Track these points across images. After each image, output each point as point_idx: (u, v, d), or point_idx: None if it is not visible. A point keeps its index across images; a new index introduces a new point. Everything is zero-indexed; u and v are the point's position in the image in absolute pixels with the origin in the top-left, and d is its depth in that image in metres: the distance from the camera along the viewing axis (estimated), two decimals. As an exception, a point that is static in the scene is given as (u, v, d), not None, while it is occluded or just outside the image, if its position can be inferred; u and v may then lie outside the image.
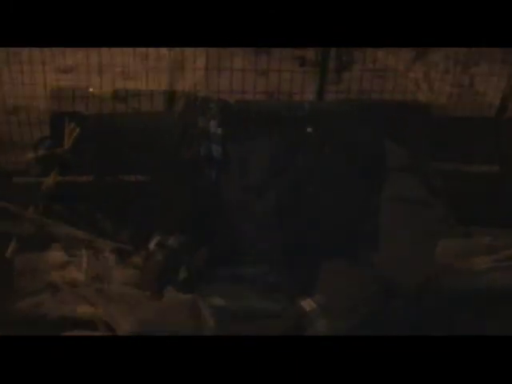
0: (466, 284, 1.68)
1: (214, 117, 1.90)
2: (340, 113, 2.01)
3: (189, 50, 2.73)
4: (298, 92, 2.86)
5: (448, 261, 1.67)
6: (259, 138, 1.84)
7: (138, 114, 2.17)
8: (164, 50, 2.78)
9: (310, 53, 3.54)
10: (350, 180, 1.74)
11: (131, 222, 1.82)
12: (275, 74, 2.90)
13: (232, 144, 1.84)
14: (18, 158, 3.05)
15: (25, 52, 3.11)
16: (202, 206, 1.84)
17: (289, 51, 3.09)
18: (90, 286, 1.76)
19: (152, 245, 1.76)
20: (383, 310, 1.63)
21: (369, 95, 2.89)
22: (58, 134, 2.03)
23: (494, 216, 1.88)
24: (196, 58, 2.74)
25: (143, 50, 2.78)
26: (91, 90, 2.02)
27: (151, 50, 2.78)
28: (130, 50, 2.76)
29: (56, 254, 1.90)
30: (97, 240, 1.83)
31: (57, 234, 1.93)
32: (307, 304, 1.68)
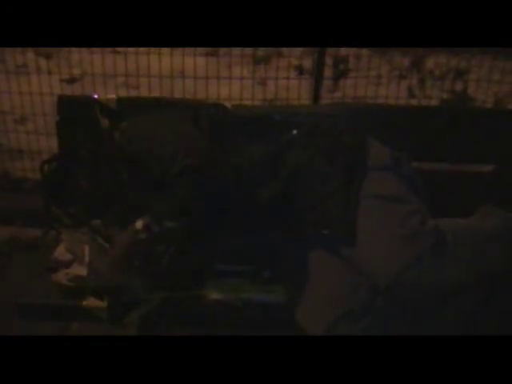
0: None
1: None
2: (330, 115, 2.07)
3: (189, 60, 2.84)
4: (295, 99, 2.96)
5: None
6: (253, 140, 1.88)
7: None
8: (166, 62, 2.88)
9: (308, 62, 3.63)
10: (334, 180, 1.78)
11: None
12: (273, 83, 3.01)
13: (229, 146, 1.88)
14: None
15: (32, 64, 3.25)
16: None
17: (286, 61, 3.18)
18: (93, 279, 1.82)
19: (139, 224, 1.76)
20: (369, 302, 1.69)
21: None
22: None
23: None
24: (196, 67, 2.85)
25: (145, 60, 2.87)
26: (96, 96, 2.09)
27: (153, 60, 2.88)
28: (132, 59, 2.88)
29: (61, 253, 1.98)
30: (98, 237, 1.90)
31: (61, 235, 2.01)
32: None
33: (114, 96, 2.12)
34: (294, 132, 1.87)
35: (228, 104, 2.10)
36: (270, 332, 1.78)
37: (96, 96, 2.11)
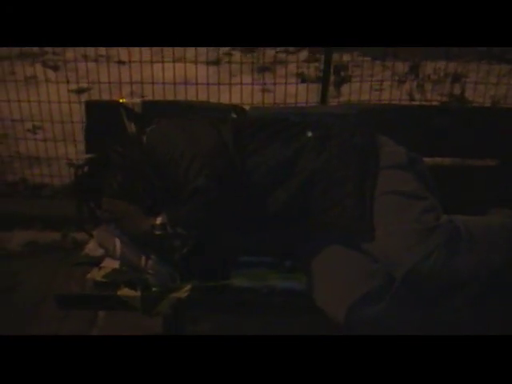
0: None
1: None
2: (343, 116, 2.18)
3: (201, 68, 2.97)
4: (302, 103, 3.09)
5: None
6: (271, 141, 1.94)
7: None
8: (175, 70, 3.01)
9: (310, 70, 3.77)
10: (349, 179, 1.86)
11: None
12: (281, 89, 3.13)
13: (248, 146, 1.93)
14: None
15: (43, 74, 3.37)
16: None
17: (290, 68, 3.31)
18: (126, 271, 1.92)
19: (159, 219, 1.87)
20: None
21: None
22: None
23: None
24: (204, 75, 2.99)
25: (155, 69, 3.01)
26: (122, 100, 2.20)
27: (159, 68, 3.01)
28: (141, 68, 3.01)
29: (91, 250, 2.08)
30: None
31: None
32: None
33: (138, 100, 2.23)
34: (309, 134, 1.96)
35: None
36: (294, 316, 1.90)
37: (122, 100, 2.23)
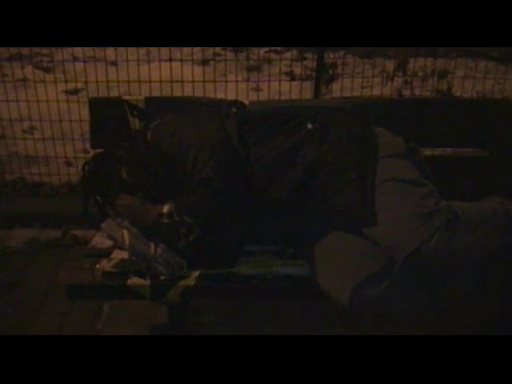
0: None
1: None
2: (339, 109, 2.25)
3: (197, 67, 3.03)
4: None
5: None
6: (273, 133, 2.01)
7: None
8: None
9: (299, 68, 3.84)
10: (350, 168, 1.94)
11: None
12: (271, 88, 3.20)
13: (251, 138, 2.00)
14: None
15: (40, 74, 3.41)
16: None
17: (279, 67, 3.39)
18: (135, 261, 1.95)
19: (166, 207, 1.93)
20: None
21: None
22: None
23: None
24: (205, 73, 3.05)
25: (146, 68, 3.07)
26: (126, 97, 2.26)
27: (154, 67, 3.07)
28: (134, 68, 3.08)
29: (98, 242, 2.13)
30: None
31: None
32: None
33: (141, 96, 2.29)
34: (309, 126, 2.03)
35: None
36: (297, 300, 1.95)
37: (125, 96, 2.28)
